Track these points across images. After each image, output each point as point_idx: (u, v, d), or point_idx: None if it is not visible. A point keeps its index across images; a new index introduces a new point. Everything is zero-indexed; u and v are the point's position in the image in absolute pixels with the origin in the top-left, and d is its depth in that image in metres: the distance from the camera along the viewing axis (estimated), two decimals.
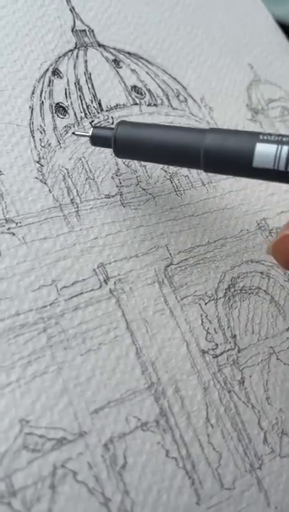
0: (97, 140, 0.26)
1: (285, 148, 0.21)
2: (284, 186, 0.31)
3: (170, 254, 0.27)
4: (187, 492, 0.23)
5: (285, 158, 0.21)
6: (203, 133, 0.23)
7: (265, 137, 0.22)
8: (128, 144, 0.25)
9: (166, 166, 0.29)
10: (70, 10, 0.32)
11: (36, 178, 0.26)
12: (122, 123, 0.26)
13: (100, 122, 0.29)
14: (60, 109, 0.29)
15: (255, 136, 0.22)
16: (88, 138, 0.26)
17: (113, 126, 0.26)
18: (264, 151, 0.22)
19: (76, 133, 0.27)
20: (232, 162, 0.23)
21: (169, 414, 0.24)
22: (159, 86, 0.32)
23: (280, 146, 0.21)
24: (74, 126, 0.28)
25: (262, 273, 0.29)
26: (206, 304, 0.27)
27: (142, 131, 0.25)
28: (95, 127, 0.26)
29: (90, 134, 0.26)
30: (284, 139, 0.21)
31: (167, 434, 0.23)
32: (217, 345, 0.26)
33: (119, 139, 0.25)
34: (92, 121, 0.29)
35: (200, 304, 0.27)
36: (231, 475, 0.24)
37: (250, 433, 0.25)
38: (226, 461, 0.24)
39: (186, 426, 0.24)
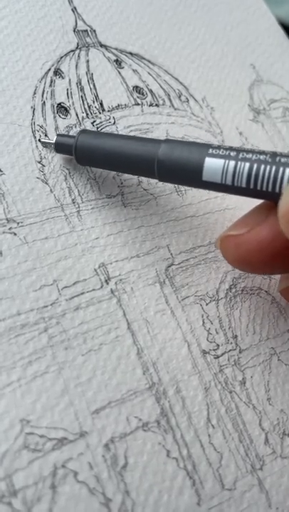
0: (60, 148, 0.27)
1: (231, 163, 0.22)
2: None
3: (171, 254, 0.27)
4: (188, 492, 0.23)
5: (231, 174, 0.22)
6: (158, 144, 0.24)
7: (214, 151, 0.23)
8: (88, 152, 0.26)
9: None
10: (72, 10, 0.32)
11: (38, 178, 0.26)
12: (84, 132, 0.26)
13: (101, 122, 0.29)
14: (62, 110, 0.29)
15: (205, 150, 0.23)
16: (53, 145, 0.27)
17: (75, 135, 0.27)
18: (212, 166, 0.22)
19: (42, 140, 0.27)
20: (183, 174, 0.23)
21: (170, 414, 0.24)
22: (161, 86, 0.32)
23: (226, 161, 0.22)
24: (76, 127, 0.28)
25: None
26: (207, 304, 0.27)
27: (101, 141, 0.26)
28: (58, 135, 0.27)
29: (54, 141, 0.27)
30: (231, 154, 0.22)
31: (168, 435, 0.23)
32: (218, 345, 0.26)
33: (80, 147, 0.26)
34: (94, 121, 0.29)
35: (201, 305, 0.27)
36: (232, 476, 0.24)
37: (252, 434, 0.25)
38: (226, 462, 0.24)
39: (187, 426, 0.24)
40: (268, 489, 0.24)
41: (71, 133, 0.28)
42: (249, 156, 0.22)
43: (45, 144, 0.27)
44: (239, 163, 0.22)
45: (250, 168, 0.22)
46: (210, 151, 0.23)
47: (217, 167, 0.22)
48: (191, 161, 0.23)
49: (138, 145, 0.25)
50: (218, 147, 0.23)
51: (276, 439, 0.25)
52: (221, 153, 0.22)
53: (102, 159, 0.26)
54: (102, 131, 0.29)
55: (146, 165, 0.24)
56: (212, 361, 0.26)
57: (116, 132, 0.29)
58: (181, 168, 0.23)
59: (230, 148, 0.22)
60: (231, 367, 0.26)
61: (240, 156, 0.22)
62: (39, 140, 0.27)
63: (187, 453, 0.23)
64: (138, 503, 0.22)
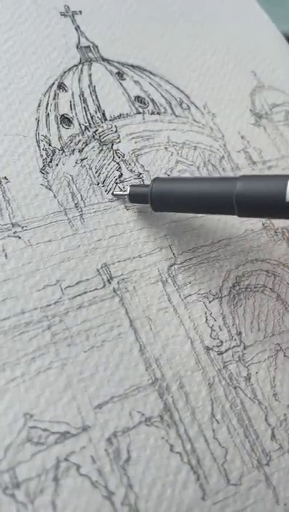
0: (134, 197, 0.28)
1: None
2: None
3: (173, 254, 0.28)
4: (192, 487, 0.23)
5: None
6: (234, 181, 0.24)
7: None
8: (163, 199, 0.27)
9: (169, 170, 0.30)
10: (75, 28, 0.33)
11: (42, 184, 0.27)
12: (157, 179, 0.27)
13: (103, 131, 0.30)
14: (65, 120, 0.30)
15: (285, 177, 0.23)
16: (126, 196, 0.28)
17: (148, 183, 0.28)
18: None
19: (114, 193, 0.28)
20: (265, 202, 0.23)
21: (173, 409, 0.24)
22: (162, 95, 0.33)
23: None
24: (78, 136, 0.30)
25: (267, 271, 0.29)
26: (210, 302, 0.27)
27: (176, 186, 0.27)
28: (132, 186, 0.28)
29: (128, 192, 0.28)
30: None
31: (171, 429, 0.23)
32: (222, 342, 0.26)
33: (155, 195, 0.27)
34: (96, 130, 0.30)
35: (204, 302, 0.27)
36: (238, 471, 0.24)
37: (257, 429, 0.25)
38: (232, 457, 0.24)
39: (190, 421, 0.24)
40: (275, 485, 0.24)
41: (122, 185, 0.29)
42: None
43: (117, 196, 0.28)
44: None
45: None
46: None
47: None
48: (271, 189, 0.23)
49: (214, 186, 0.25)
50: None
51: (283, 434, 0.25)
52: None
53: (178, 204, 0.27)
54: (105, 139, 0.30)
55: (225, 203, 0.24)
56: (216, 357, 0.26)
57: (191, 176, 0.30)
58: (261, 197, 0.23)
59: None
60: (235, 363, 0.26)
61: None
62: (112, 194, 0.28)
63: (191, 448, 0.23)
64: (141, 496, 0.22)
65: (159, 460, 0.23)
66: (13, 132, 0.28)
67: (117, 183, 0.29)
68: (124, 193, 0.28)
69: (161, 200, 0.27)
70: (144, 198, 0.27)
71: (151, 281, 0.27)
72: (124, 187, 0.29)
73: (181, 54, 0.35)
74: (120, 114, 0.31)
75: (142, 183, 0.29)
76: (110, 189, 0.28)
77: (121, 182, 0.29)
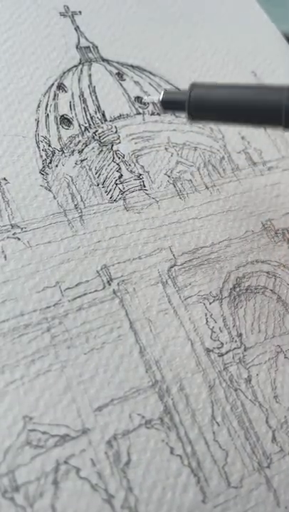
0: (168, 104, 0.25)
1: None
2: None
3: (173, 255, 0.28)
4: (193, 490, 0.22)
5: None
6: (284, 90, 0.22)
7: None
8: (204, 105, 0.24)
9: (169, 171, 0.30)
10: (75, 29, 0.33)
11: (41, 185, 0.27)
12: (196, 85, 0.24)
13: (103, 132, 0.30)
14: (65, 121, 0.30)
15: None
16: (157, 103, 0.25)
17: (183, 90, 0.25)
18: None
19: (144, 100, 0.27)
20: None
21: (174, 412, 0.24)
22: None
23: None
24: (78, 137, 0.29)
25: (268, 273, 0.29)
26: (210, 303, 0.27)
27: (219, 91, 0.24)
28: (165, 91, 0.25)
29: (161, 98, 0.25)
30: None
31: (172, 432, 0.23)
32: (222, 343, 0.26)
33: (194, 101, 0.24)
34: (96, 131, 0.30)
35: (204, 304, 0.27)
36: (239, 473, 0.23)
37: (258, 431, 0.24)
38: (232, 460, 0.24)
39: (191, 424, 0.24)
40: (275, 487, 0.24)
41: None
42: None
43: (146, 104, 0.26)
44: None
45: None
46: None
47: None
48: None
49: (261, 93, 0.23)
50: None
51: (284, 436, 0.25)
52: None
53: (220, 112, 0.24)
54: (105, 140, 0.30)
55: (272, 112, 0.22)
56: (216, 359, 0.26)
57: None
58: None
59: None
60: (236, 365, 0.26)
61: None
62: (141, 102, 0.26)
63: (191, 450, 0.23)
64: (141, 499, 0.22)
65: (159, 463, 0.23)
66: (12, 133, 0.28)
67: (116, 184, 0.29)
68: (156, 98, 0.25)
69: (200, 108, 0.24)
70: (181, 104, 0.24)
71: (152, 283, 0.26)
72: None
73: (181, 54, 0.35)
74: (120, 115, 0.31)
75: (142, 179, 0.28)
76: (110, 190, 0.28)
77: (121, 183, 0.29)
